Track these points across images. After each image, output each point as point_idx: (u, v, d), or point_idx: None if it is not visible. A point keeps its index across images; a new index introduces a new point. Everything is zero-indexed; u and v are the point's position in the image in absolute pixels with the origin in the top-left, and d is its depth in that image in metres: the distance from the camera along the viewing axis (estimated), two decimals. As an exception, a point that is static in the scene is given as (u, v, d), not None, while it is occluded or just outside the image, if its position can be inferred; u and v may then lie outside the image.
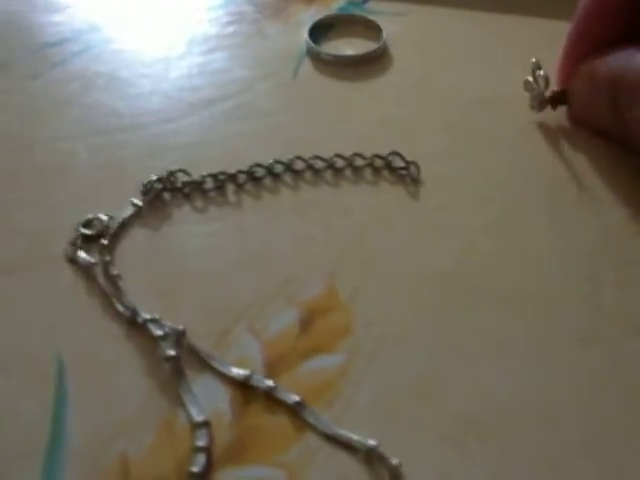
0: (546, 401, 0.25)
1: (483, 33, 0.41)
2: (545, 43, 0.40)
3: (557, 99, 0.35)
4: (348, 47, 0.40)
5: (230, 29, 0.41)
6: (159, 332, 0.26)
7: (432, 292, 0.28)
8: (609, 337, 0.27)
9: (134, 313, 0.26)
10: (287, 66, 0.39)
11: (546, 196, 0.32)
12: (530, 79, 0.35)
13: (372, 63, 0.39)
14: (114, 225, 0.30)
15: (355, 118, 0.36)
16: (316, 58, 0.39)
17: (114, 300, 0.27)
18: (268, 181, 0.33)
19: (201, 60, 0.39)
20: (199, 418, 0.24)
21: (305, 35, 0.40)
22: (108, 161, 0.33)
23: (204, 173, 0.32)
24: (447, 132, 0.35)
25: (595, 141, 0.34)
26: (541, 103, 0.35)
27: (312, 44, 0.39)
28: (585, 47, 0.33)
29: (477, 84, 0.38)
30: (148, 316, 0.26)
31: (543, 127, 0.35)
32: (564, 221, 0.31)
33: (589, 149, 0.34)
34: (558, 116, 0.36)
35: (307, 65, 0.39)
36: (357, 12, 0.42)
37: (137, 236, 0.30)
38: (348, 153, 0.33)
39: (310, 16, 0.42)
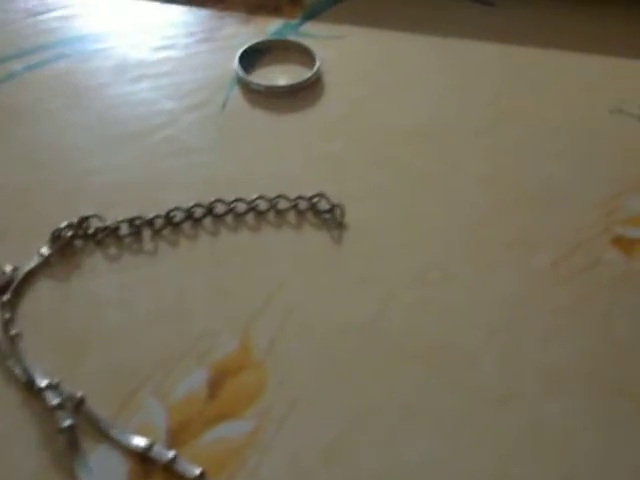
0: (462, 463, 0.24)
1: (425, 57, 0.40)
2: (497, 69, 0.39)
3: None
4: (281, 74, 0.39)
5: (159, 55, 0.40)
6: (56, 400, 0.25)
7: (350, 347, 0.27)
8: (528, 396, 0.26)
9: (31, 378, 0.25)
10: (216, 96, 0.37)
11: (470, 247, 0.31)
12: None
13: (305, 92, 0.38)
14: (18, 277, 0.28)
15: (283, 154, 0.35)
16: (246, 87, 0.38)
17: (11, 363, 0.26)
18: (187, 226, 0.31)
19: (127, 89, 0.38)
20: (93, 495, 0.23)
21: (235, 63, 0.38)
22: (16, 205, 0.32)
23: (120, 218, 0.31)
24: (379, 169, 0.34)
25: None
26: None
27: (242, 73, 0.38)
28: None
29: (415, 114, 0.37)
30: (46, 382, 0.25)
31: (476, 163, 0.34)
32: (486, 270, 0.30)
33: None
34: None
35: (237, 95, 0.38)
36: (292, 35, 0.41)
37: (43, 289, 0.29)
38: (274, 193, 0.32)
39: (243, 41, 0.40)
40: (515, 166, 0.34)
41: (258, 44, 0.40)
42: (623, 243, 0.31)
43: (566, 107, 0.37)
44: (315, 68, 0.38)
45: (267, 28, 0.42)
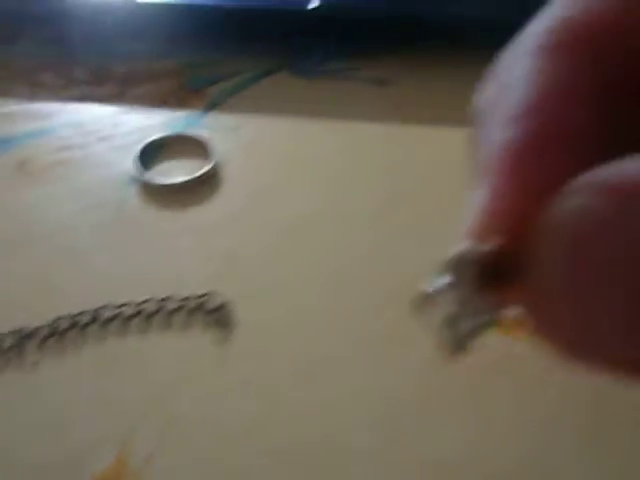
0: None
1: (321, 142, 0.41)
2: (390, 149, 0.39)
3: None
4: (179, 170, 0.39)
5: (55, 157, 0.40)
6: None
7: (231, 455, 0.27)
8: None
9: None
10: (112, 197, 0.38)
11: (356, 340, 0.31)
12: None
13: (202, 187, 0.38)
14: None
15: (177, 253, 0.35)
16: (143, 185, 0.38)
17: None
18: (73, 334, 0.31)
19: (24, 196, 0.38)
20: None
21: (132, 161, 0.39)
22: None
23: (3, 330, 0.31)
24: (271, 265, 0.34)
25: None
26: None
27: (138, 172, 0.38)
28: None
29: (309, 202, 0.37)
30: None
31: (367, 249, 0.35)
32: (371, 364, 0.30)
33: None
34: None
35: (134, 194, 0.38)
36: (195, 127, 0.42)
37: None
38: (164, 293, 0.32)
39: (144, 136, 0.41)
40: (404, 249, 0.35)
41: (156, 140, 0.40)
42: (505, 324, 0.32)
43: (452, 185, 0.38)
44: (211, 163, 0.39)
45: (169, 121, 0.42)
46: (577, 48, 0.15)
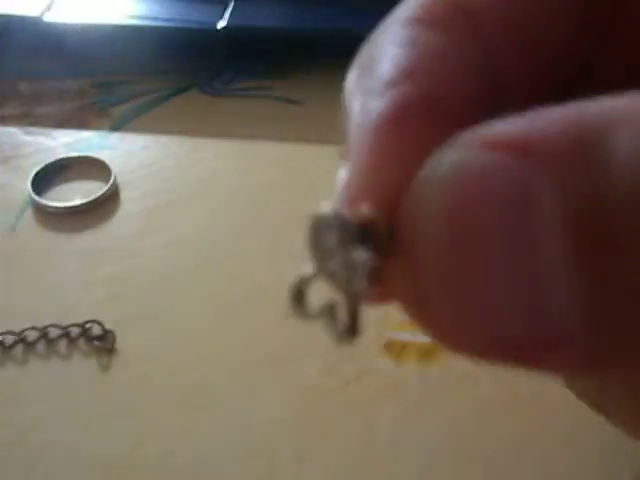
0: None
1: (224, 162, 0.40)
2: (297, 168, 0.39)
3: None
4: (78, 192, 0.39)
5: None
6: None
7: (100, 487, 0.27)
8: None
9: None
10: (5, 220, 0.37)
11: (239, 365, 0.31)
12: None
13: (98, 210, 0.38)
14: None
15: (66, 278, 0.34)
16: (39, 209, 0.38)
17: None
18: (-50, 365, 0.31)
19: None
20: None
21: (29, 183, 0.38)
22: None
23: None
24: (158, 290, 0.34)
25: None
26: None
27: (33, 194, 0.38)
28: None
29: (207, 224, 0.37)
30: None
31: (259, 271, 0.35)
32: (253, 389, 0.30)
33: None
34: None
35: (29, 217, 0.37)
36: (98, 149, 0.41)
37: None
38: (49, 321, 0.32)
39: (44, 157, 0.40)
40: (295, 272, 0.34)
41: (56, 162, 0.40)
42: (394, 348, 0.32)
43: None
44: (109, 184, 0.38)
45: (73, 142, 0.42)
46: (453, 20, 0.15)
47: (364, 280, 0.13)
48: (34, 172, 0.39)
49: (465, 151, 0.12)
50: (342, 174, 0.14)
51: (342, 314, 0.14)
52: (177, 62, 0.46)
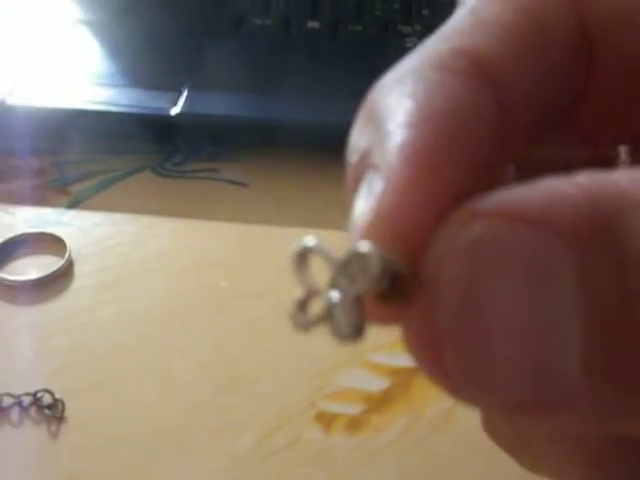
0: None
1: (174, 240, 0.43)
2: (239, 247, 0.42)
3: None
4: (35, 266, 0.41)
5: None
6: None
7: None
8: None
9: None
10: (-36, 293, 0.39)
11: (181, 435, 0.33)
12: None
13: (53, 284, 0.40)
14: None
15: (20, 349, 0.37)
16: (-4, 282, 0.40)
17: None
18: None
19: None
20: None
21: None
22: None
23: None
24: (106, 360, 0.36)
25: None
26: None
27: (-9, 269, 0.40)
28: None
29: (152, 299, 0.39)
30: None
31: (201, 346, 0.37)
32: (192, 456, 0.32)
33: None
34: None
35: (-14, 289, 0.40)
36: (54, 225, 0.44)
37: None
38: (2, 390, 0.34)
39: (3, 233, 0.43)
40: (237, 346, 0.37)
41: (14, 237, 0.42)
42: (325, 418, 0.34)
43: (293, 283, 0.41)
44: (64, 259, 0.41)
45: (31, 218, 0.45)
46: (470, 72, 0.15)
47: (370, 276, 0.13)
48: (-7, 247, 0.42)
49: (484, 222, 0.13)
50: (359, 207, 0.14)
51: (345, 309, 0.14)
52: (132, 144, 0.49)
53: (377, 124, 0.15)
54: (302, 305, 0.15)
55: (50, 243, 0.43)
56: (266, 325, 0.38)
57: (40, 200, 0.46)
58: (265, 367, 0.36)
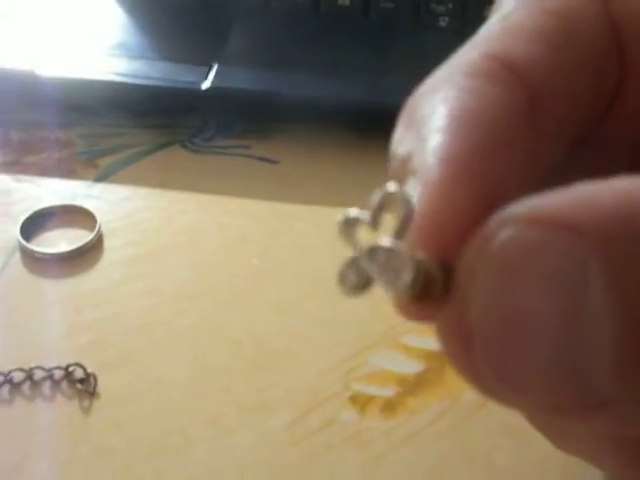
0: None
1: (204, 216, 0.43)
2: (268, 226, 0.42)
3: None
4: (64, 239, 0.41)
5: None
6: None
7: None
8: None
9: None
10: (-6, 264, 0.39)
11: (213, 412, 0.33)
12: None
13: (84, 257, 0.40)
14: None
15: (49, 323, 0.36)
16: (26, 254, 0.40)
17: None
18: (-61, 402, 0.32)
19: None
20: None
21: (18, 229, 0.40)
22: None
23: None
24: (138, 335, 0.36)
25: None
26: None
27: (22, 240, 0.40)
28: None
29: (184, 275, 0.39)
30: None
31: (232, 324, 0.37)
32: (225, 434, 0.32)
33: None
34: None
35: (17, 262, 0.39)
36: (83, 198, 0.43)
37: None
38: (34, 363, 0.34)
39: (31, 205, 0.42)
40: (270, 326, 0.37)
41: (43, 209, 0.42)
42: (359, 400, 0.34)
43: (326, 263, 0.40)
44: (94, 233, 0.40)
45: (59, 190, 0.44)
46: (500, 74, 0.16)
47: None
48: (23, 219, 0.41)
49: (517, 227, 0.13)
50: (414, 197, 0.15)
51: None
52: (161, 118, 0.49)
53: (414, 130, 0.16)
54: (351, 266, 0.15)
55: (79, 216, 0.42)
56: (299, 305, 0.38)
57: (68, 173, 0.45)
58: (298, 347, 0.36)
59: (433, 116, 0.15)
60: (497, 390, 0.14)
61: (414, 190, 0.15)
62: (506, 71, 0.16)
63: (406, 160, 0.16)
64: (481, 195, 0.14)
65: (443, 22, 0.54)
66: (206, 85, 0.47)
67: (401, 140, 0.16)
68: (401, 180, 0.16)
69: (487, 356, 0.13)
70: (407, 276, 0.14)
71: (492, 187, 0.14)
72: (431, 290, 0.14)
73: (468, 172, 0.14)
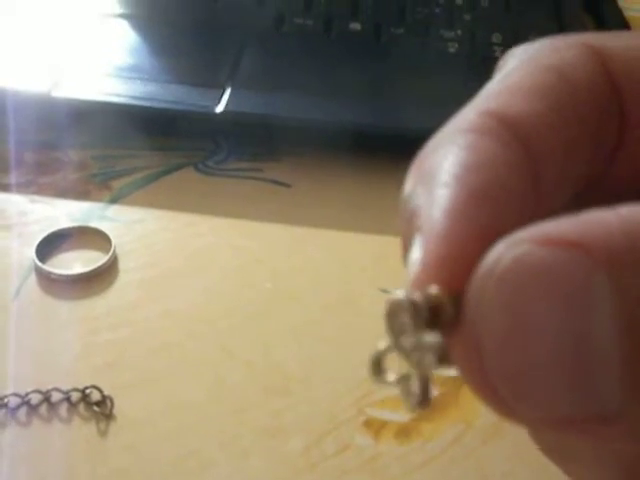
0: None
1: (217, 239, 0.43)
2: (280, 249, 0.42)
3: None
4: (78, 261, 0.41)
5: (-43, 245, 0.41)
6: None
7: None
8: None
9: None
10: (10, 285, 0.39)
11: (229, 435, 0.33)
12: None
13: (99, 278, 0.40)
14: None
15: (67, 344, 0.36)
16: (42, 275, 0.40)
17: None
18: (-43, 424, 0.33)
19: None
20: None
21: (33, 250, 0.41)
22: None
23: None
24: (154, 357, 0.36)
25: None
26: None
27: (37, 262, 0.40)
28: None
29: (197, 297, 0.39)
30: None
31: (247, 347, 0.37)
32: (240, 457, 0.32)
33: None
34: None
35: (32, 283, 0.40)
36: (97, 220, 0.44)
37: None
38: (51, 385, 0.34)
39: (46, 226, 0.43)
40: (283, 349, 0.37)
41: (58, 231, 0.42)
42: (374, 425, 0.34)
43: (339, 286, 0.41)
44: (109, 255, 0.41)
45: (74, 211, 0.44)
46: (497, 130, 0.17)
47: (434, 360, 0.14)
48: (38, 240, 0.41)
49: (525, 246, 0.14)
50: (413, 258, 0.16)
51: (415, 386, 0.15)
52: (174, 141, 0.49)
53: (417, 187, 0.17)
54: (378, 364, 0.16)
55: (94, 237, 0.43)
56: (313, 329, 0.38)
57: (82, 194, 0.46)
58: (312, 371, 0.36)
59: (433, 173, 0.17)
60: (509, 410, 0.14)
61: (418, 245, 0.16)
62: (501, 126, 0.17)
63: (413, 213, 0.17)
64: (484, 238, 0.15)
65: (452, 48, 0.55)
66: (220, 109, 0.47)
67: (409, 196, 0.17)
68: (408, 237, 0.17)
69: (499, 373, 0.14)
70: (419, 323, 0.15)
71: (493, 229, 0.15)
72: (442, 319, 0.15)
73: (467, 217, 0.15)
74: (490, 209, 0.16)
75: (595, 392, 0.13)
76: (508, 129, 0.17)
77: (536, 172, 0.17)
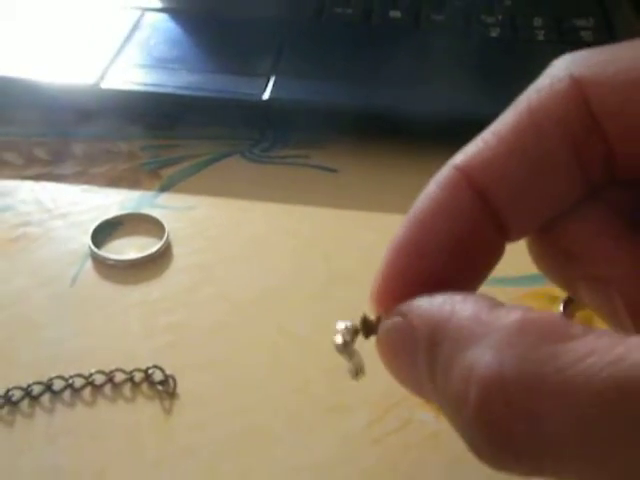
0: None
1: (268, 224, 0.43)
2: (331, 232, 0.42)
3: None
4: (133, 247, 0.42)
5: (14, 233, 0.42)
6: None
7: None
8: None
9: None
10: (67, 271, 0.40)
11: (293, 412, 0.34)
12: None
13: (153, 264, 0.41)
14: None
15: (127, 327, 0.37)
16: (97, 261, 0.40)
17: None
18: (25, 405, 0.33)
19: (-19, 267, 0.40)
20: None
21: (88, 238, 0.41)
22: None
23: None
24: (214, 339, 0.36)
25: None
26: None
27: (93, 248, 0.40)
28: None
29: (253, 281, 0.40)
30: None
31: (305, 328, 0.37)
32: (305, 434, 0.32)
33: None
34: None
35: (88, 269, 0.40)
36: (148, 207, 0.44)
37: None
38: (114, 366, 0.34)
39: (99, 214, 0.43)
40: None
41: (112, 218, 0.43)
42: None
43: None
44: (163, 240, 0.41)
45: (125, 200, 0.45)
46: (456, 182, 0.21)
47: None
48: (93, 227, 0.42)
49: (393, 316, 0.21)
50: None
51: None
52: (221, 129, 0.49)
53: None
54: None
55: (146, 224, 0.43)
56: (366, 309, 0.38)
57: (132, 183, 0.46)
58: (370, 350, 0.36)
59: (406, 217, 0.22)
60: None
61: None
62: (462, 178, 0.21)
63: None
64: (420, 274, 0.22)
65: (494, 32, 0.55)
66: (267, 96, 0.48)
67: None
68: None
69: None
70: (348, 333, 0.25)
71: (433, 266, 0.22)
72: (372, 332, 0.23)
73: (397, 259, 0.22)
74: (419, 253, 0.22)
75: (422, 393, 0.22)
76: (466, 180, 0.21)
77: (496, 209, 0.21)
